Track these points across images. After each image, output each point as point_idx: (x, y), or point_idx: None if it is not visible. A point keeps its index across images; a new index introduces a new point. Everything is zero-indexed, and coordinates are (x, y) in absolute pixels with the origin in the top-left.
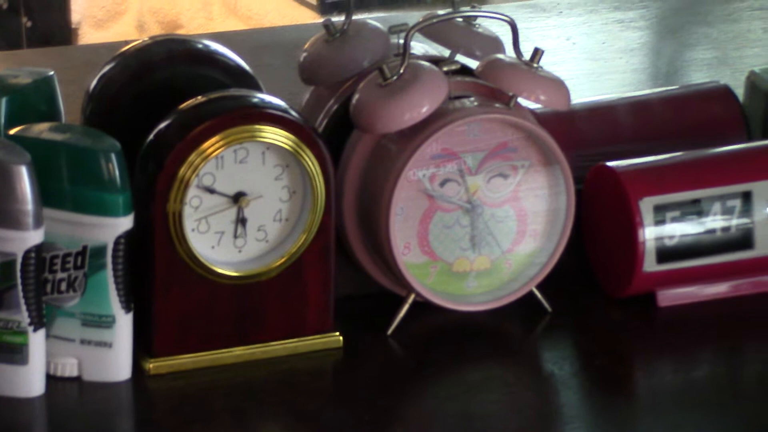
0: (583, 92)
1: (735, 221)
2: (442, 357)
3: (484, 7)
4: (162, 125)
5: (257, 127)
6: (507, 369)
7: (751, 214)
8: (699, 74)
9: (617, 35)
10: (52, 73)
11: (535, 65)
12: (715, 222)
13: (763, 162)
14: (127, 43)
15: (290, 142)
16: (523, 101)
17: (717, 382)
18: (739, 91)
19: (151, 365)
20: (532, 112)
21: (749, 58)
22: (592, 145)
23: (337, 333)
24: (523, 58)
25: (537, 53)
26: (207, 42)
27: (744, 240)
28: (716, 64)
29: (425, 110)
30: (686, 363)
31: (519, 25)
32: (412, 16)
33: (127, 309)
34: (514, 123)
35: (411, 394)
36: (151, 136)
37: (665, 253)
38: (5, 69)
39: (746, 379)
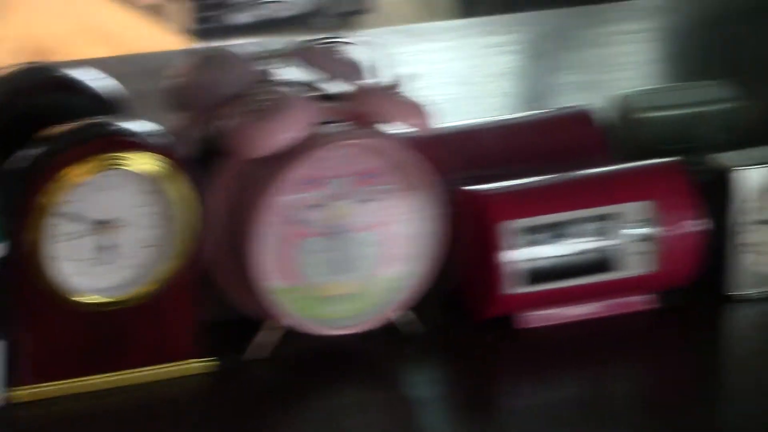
0: (454, 117)
1: (597, 243)
2: (310, 381)
3: (353, 32)
4: (26, 153)
5: (123, 153)
6: (375, 392)
7: (613, 237)
8: (569, 98)
9: (488, 60)
10: None
11: (399, 90)
12: (577, 244)
13: (625, 184)
14: None
15: (157, 169)
16: (389, 126)
17: (582, 402)
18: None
19: (14, 393)
20: (398, 136)
21: (619, 82)
22: (457, 169)
23: (205, 358)
24: (388, 83)
25: (402, 78)
26: (75, 69)
27: (606, 262)
28: (586, 88)
29: (292, 135)
30: (551, 384)
31: (389, 51)
32: (282, 43)
33: None
34: (380, 148)
35: (279, 419)
36: (15, 164)
37: (529, 276)
38: None
39: (611, 400)
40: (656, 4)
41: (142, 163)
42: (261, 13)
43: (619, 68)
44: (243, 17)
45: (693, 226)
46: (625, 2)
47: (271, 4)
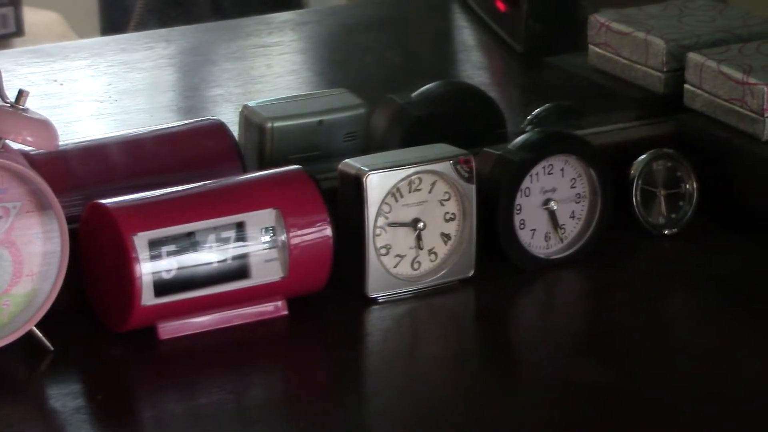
0: (89, 134)
1: (231, 252)
2: None
3: None
4: None
5: None
6: (11, 408)
7: (246, 245)
8: (205, 112)
9: (123, 76)
10: None
11: (21, 107)
12: (211, 254)
13: (255, 193)
14: None
15: None
16: (14, 143)
17: (221, 408)
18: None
19: None
20: (24, 154)
21: (253, 94)
22: (88, 185)
23: None
24: (9, 100)
25: (22, 95)
26: None
27: (240, 270)
28: (221, 101)
29: None
30: (190, 392)
31: (22, 71)
32: None
33: None
34: (5, 166)
35: None
36: None
37: (163, 287)
38: None
39: (251, 404)
40: (290, 18)
41: None
42: None
43: (253, 81)
44: None
45: (321, 231)
46: (261, 17)
47: None
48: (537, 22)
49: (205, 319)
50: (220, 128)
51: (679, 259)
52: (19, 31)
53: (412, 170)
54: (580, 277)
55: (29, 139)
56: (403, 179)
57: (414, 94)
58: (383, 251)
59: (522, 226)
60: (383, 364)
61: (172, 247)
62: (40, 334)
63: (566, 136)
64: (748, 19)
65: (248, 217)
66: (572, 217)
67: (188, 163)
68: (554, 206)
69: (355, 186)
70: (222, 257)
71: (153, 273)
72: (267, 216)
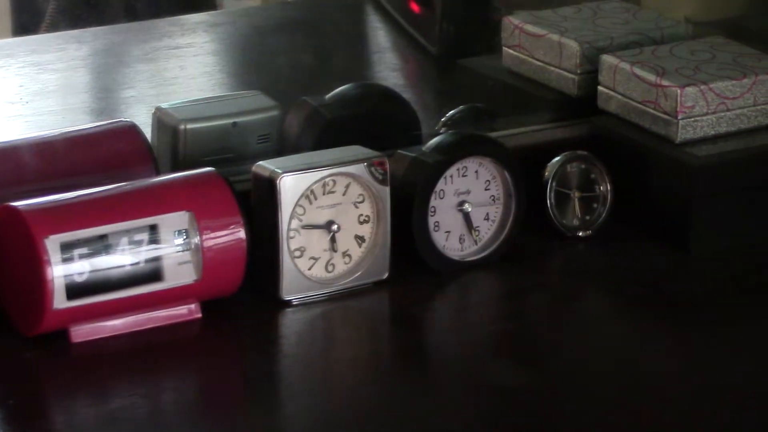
0: (0, 136)
1: (144, 255)
2: None
3: None
4: None
5: None
6: None
7: (159, 247)
8: (118, 114)
9: (34, 78)
10: None
11: None
12: (123, 256)
13: (168, 195)
14: None
15: None
16: None
17: (134, 412)
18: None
19: None
20: None
21: (165, 96)
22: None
23: None
24: None
25: None
26: None
27: (154, 273)
28: (134, 103)
29: None
30: (102, 396)
31: None
32: None
33: None
34: None
35: None
36: None
37: (75, 290)
38: None
39: (165, 409)
40: (203, 19)
41: None
42: None
43: (166, 82)
44: None
45: (235, 234)
46: (174, 18)
47: None
48: (451, 24)
49: (118, 323)
50: (132, 130)
51: (593, 260)
52: None
53: (326, 172)
54: (495, 279)
55: None
56: (317, 181)
57: (328, 96)
58: (297, 253)
59: (436, 229)
60: (297, 367)
61: (84, 250)
62: None
63: (480, 138)
64: (661, 22)
65: (161, 220)
66: (486, 219)
67: (101, 165)
68: (468, 208)
69: (268, 188)
70: (135, 260)
71: (65, 276)
72: (180, 218)
